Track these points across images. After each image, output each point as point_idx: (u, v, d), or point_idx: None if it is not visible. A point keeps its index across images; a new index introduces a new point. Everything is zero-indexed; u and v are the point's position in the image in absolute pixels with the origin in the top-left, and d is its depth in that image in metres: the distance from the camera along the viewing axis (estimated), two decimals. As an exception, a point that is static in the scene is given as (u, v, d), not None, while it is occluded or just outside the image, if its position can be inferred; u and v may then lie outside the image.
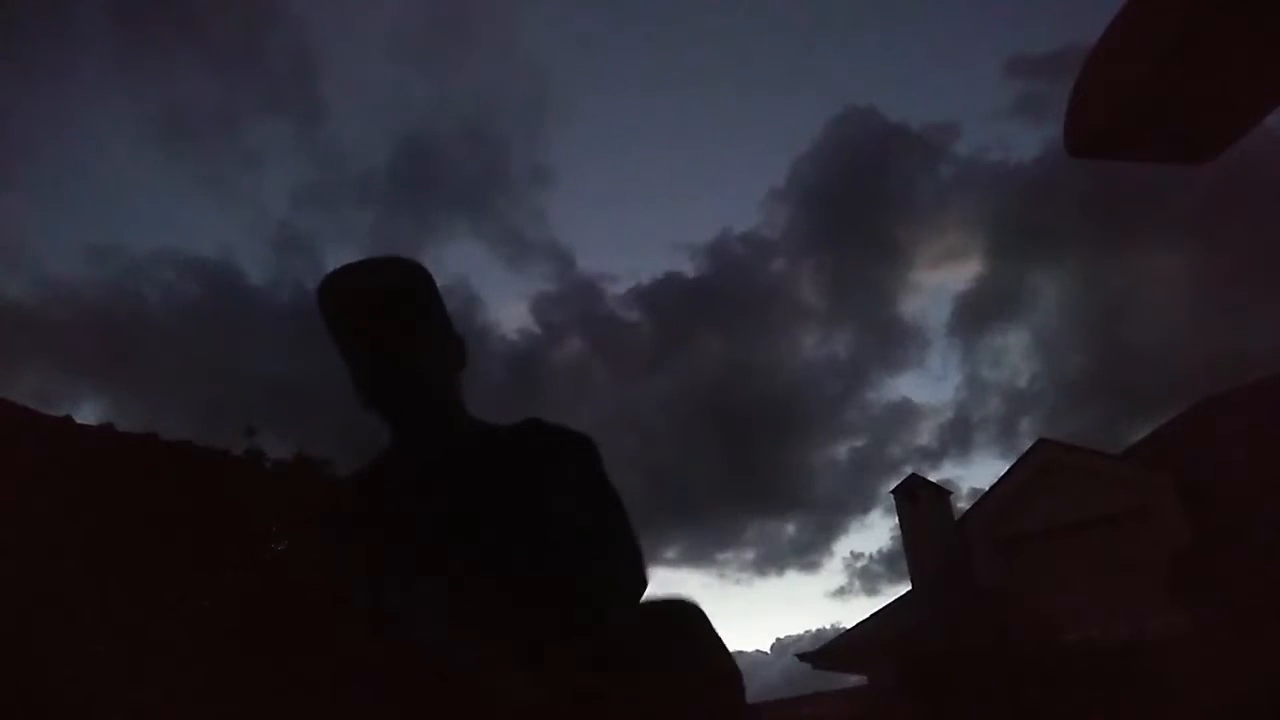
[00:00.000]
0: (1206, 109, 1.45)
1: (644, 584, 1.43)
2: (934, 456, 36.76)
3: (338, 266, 1.48)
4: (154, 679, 5.11)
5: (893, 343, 39.58)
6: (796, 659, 16.07)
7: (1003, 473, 14.77)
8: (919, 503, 16.45)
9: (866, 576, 36.56)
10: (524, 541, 1.36)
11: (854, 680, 16.24)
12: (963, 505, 16.56)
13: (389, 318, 1.40)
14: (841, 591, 37.84)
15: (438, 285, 1.51)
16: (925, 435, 40.67)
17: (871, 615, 15.49)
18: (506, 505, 1.39)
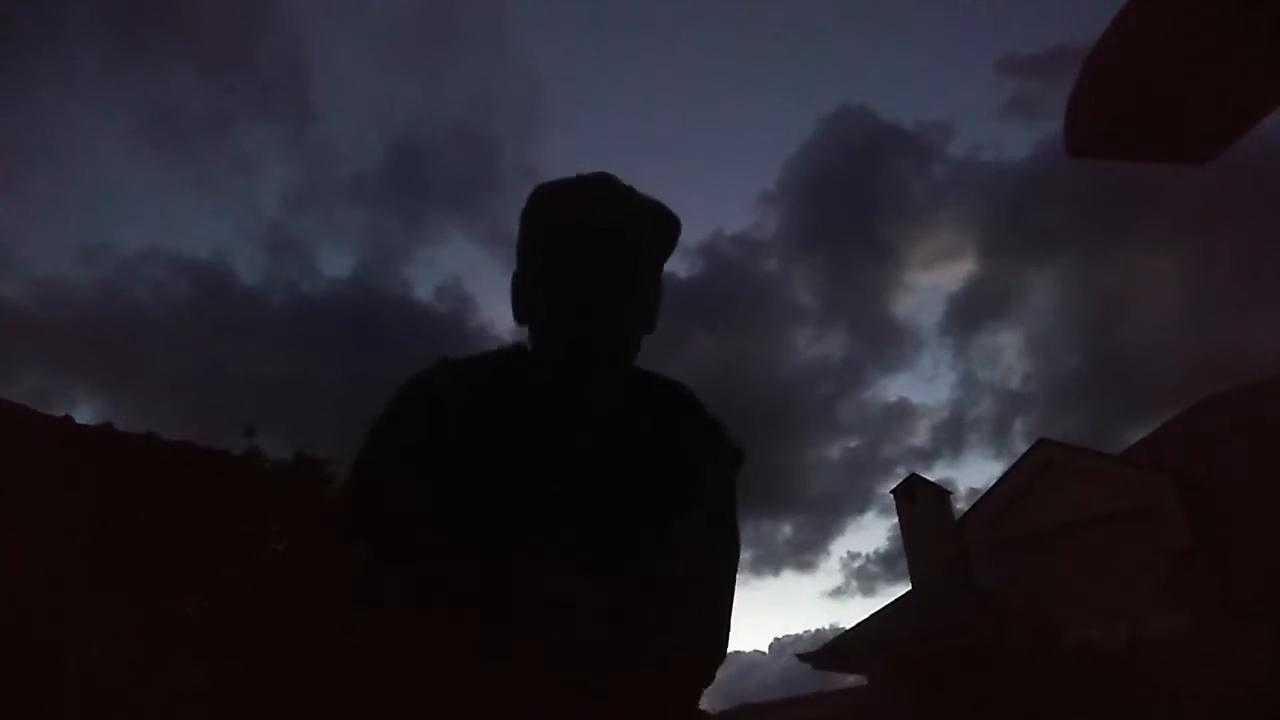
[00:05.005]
0: (1206, 109, 1.45)
1: (717, 663, 1.24)
2: (928, 457, 36.79)
3: (593, 179, 1.23)
4: (153, 676, 5.11)
5: (886, 343, 39.63)
6: (796, 659, 16.08)
7: (997, 473, 14.78)
8: (919, 503, 16.44)
9: (863, 577, 36.59)
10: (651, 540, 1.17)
11: (854, 680, 16.24)
12: (959, 506, 16.58)
13: (635, 269, 1.21)
14: (838, 592, 37.87)
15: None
16: (919, 435, 40.65)
17: (872, 615, 15.48)
18: (650, 491, 1.19)
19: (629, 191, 1.23)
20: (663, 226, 1.24)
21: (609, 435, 1.19)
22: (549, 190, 1.23)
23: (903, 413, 38.72)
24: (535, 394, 1.19)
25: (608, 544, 1.12)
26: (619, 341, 1.21)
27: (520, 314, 1.25)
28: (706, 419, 1.29)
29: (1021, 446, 15.38)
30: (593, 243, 1.17)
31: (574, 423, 1.18)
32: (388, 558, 1.13)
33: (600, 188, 1.22)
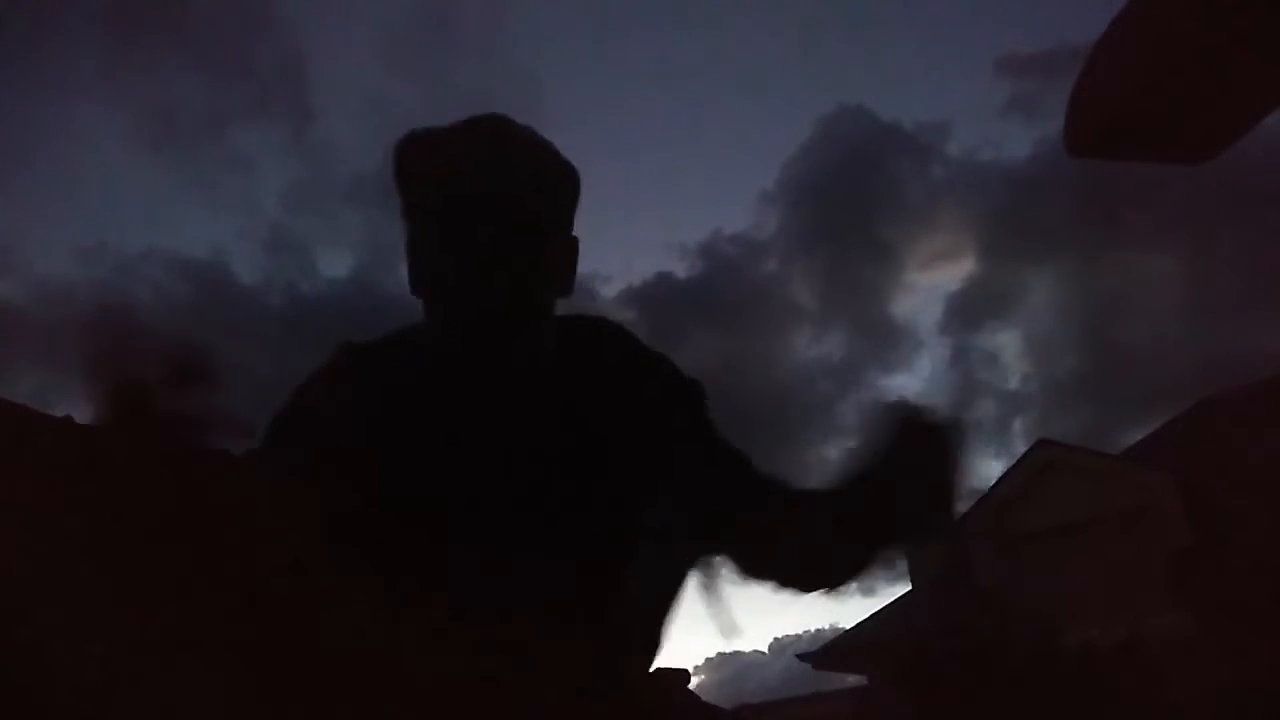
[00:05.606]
0: (1206, 109, 1.45)
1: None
2: (927, 457, 36.73)
3: (482, 128, 1.10)
4: (153, 676, 5.11)
5: (885, 343, 39.64)
6: (795, 659, 16.07)
7: (997, 473, 14.79)
8: (919, 503, 16.42)
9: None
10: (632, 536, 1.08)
11: (854, 680, 16.23)
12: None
13: (530, 223, 1.07)
14: (838, 592, 37.84)
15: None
16: (920, 435, 40.64)
17: (871, 615, 15.49)
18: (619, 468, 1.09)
19: (526, 142, 1.11)
20: (564, 180, 1.13)
21: (554, 415, 1.09)
22: (433, 143, 1.10)
23: (902, 413, 38.69)
24: (452, 372, 1.09)
25: (566, 533, 1.05)
26: (531, 308, 1.09)
27: (415, 283, 1.11)
28: (654, 357, 1.19)
29: (1021, 446, 15.39)
30: (493, 206, 1.04)
31: (509, 402, 1.08)
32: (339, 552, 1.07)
33: (492, 142, 1.09)
